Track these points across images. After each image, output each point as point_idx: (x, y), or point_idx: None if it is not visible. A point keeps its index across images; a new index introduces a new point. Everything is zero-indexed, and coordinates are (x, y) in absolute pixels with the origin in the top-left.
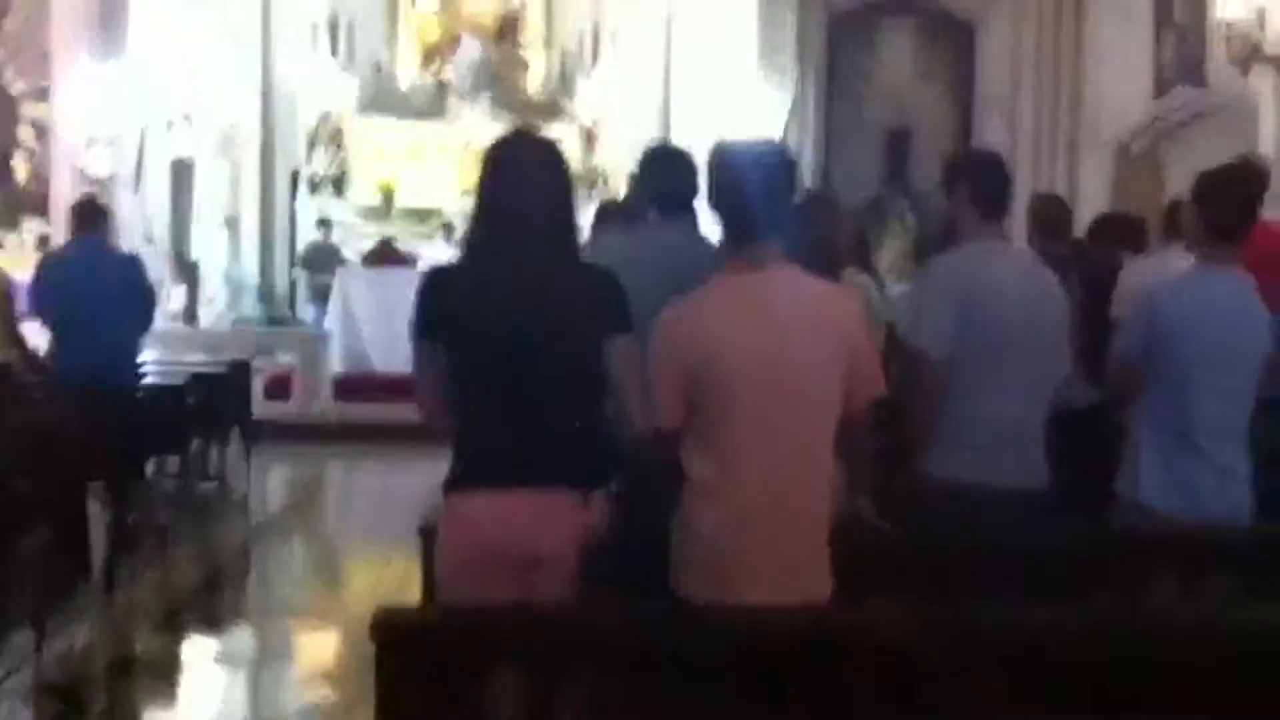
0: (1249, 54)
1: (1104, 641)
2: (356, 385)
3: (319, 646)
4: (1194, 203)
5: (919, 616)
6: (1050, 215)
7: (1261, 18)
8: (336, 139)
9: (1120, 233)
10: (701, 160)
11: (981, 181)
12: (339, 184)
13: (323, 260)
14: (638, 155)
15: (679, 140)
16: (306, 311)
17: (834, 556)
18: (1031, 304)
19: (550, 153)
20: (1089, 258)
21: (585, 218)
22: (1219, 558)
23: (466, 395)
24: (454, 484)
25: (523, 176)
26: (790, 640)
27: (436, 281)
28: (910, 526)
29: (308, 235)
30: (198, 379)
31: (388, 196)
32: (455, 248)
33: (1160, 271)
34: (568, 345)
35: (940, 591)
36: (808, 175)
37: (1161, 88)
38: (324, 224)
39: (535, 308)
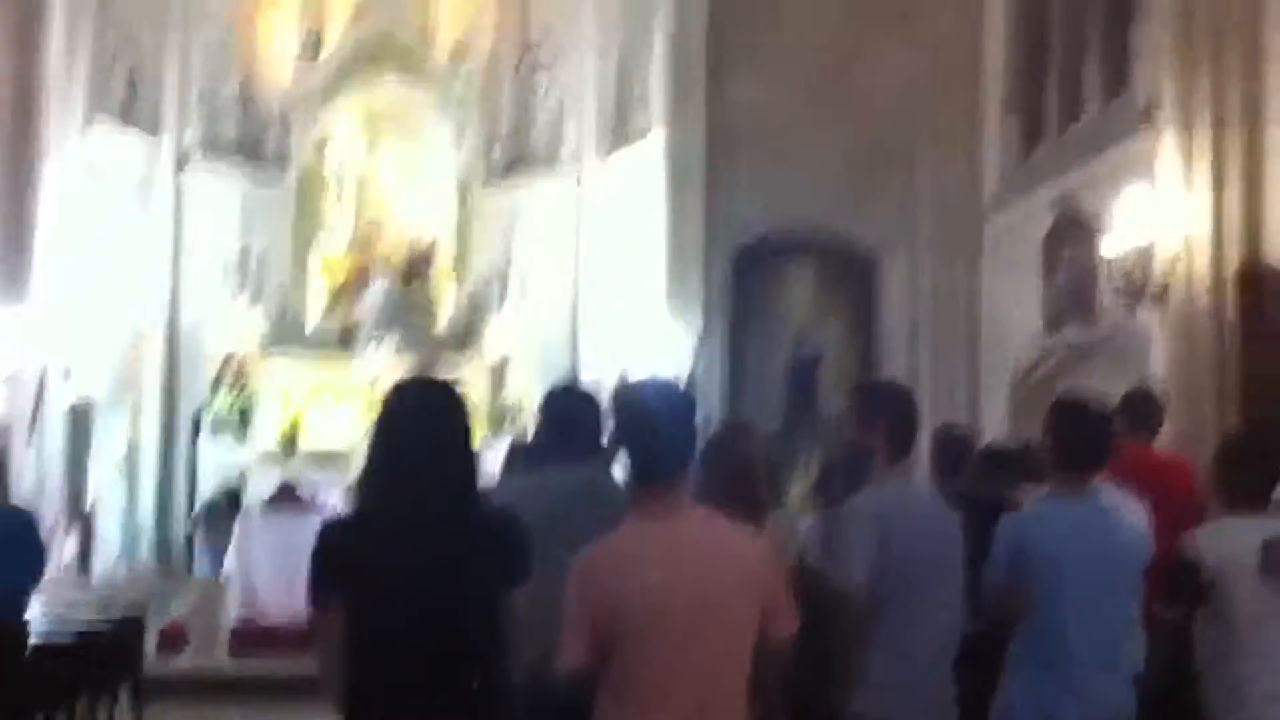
0: (1135, 290)
1: None
2: (254, 636)
3: None
4: (1044, 435)
5: None
6: (950, 450)
7: (1145, 257)
8: (241, 378)
9: (1005, 464)
10: (606, 398)
11: (898, 422)
12: (242, 424)
13: (220, 517)
14: (544, 393)
15: (588, 375)
16: (203, 559)
17: None
18: (942, 544)
19: (446, 396)
20: (975, 492)
21: (498, 454)
22: None
23: (362, 649)
24: None
25: (418, 423)
26: None
27: (330, 539)
28: None
29: (208, 477)
30: (87, 635)
31: (291, 439)
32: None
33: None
34: (465, 598)
35: None
36: (717, 406)
37: (1054, 323)
38: (231, 493)
39: (432, 561)
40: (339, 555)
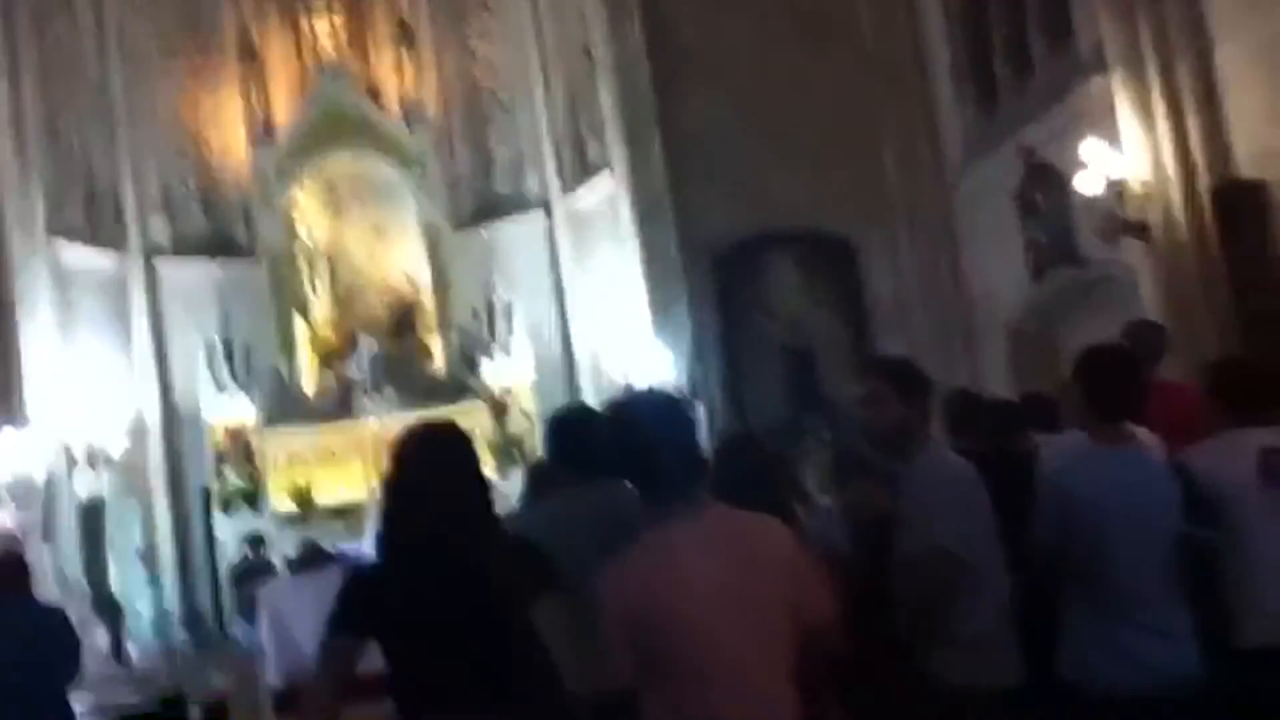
0: (1114, 227)
1: None
2: (297, 700)
3: None
4: (1075, 383)
5: None
6: (960, 412)
7: (1118, 192)
8: (245, 453)
9: (1010, 416)
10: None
11: (929, 392)
12: (251, 498)
13: (254, 576)
14: (547, 419)
15: (589, 398)
16: (239, 631)
17: None
18: (987, 501)
19: (451, 436)
20: (1001, 450)
21: (512, 486)
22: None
23: (405, 690)
24: None
25: (428, 465)
26: None
27: (359, 583)
28: None
29: (226, 554)
30: (130, 717)
31: (305, 500)
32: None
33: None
34: (499, 624)
35: None
36: (720, 409)
37: (1040, 272)
38: (255, 542)
39: (459, 595)
40: (367, 597)
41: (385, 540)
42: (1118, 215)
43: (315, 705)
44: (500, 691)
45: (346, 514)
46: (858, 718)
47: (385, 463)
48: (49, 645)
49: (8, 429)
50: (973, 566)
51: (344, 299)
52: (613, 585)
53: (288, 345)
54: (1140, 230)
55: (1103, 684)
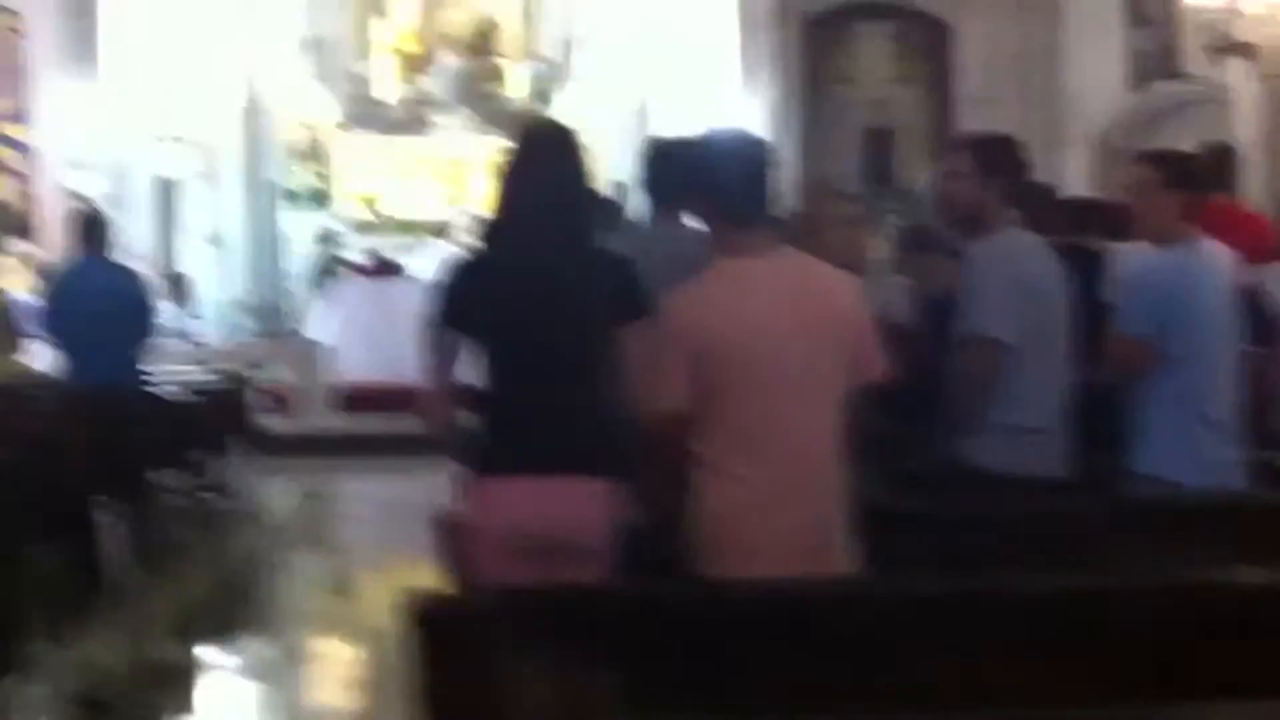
0: (1221, 44)
1: (1113, 605)
2: (353, 397)
3: (333, 653)
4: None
5: (936, 584)
6: (1038, 205)
7: (1232, 5)
8: (319, 155)
9: (1088, 217)
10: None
11: (1018, 175)
12: (320, 199)
13: (331, 273)
14: (618, 161)
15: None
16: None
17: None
18: (1061, 293)
19: (567, 140)
20: (1075, 245)
21: None
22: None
23: (494, 383)
24: (484, 468)
25: (539, 164)
26: (810, 608)
27: (460, 271)
28: (930, 509)
29: (295, 249)
30: (198, 391)
31: (371, 209)
32: (452, 249)
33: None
34: (584, 333)
35: (954, 568)
36: (790, 178)
37: (1137, 81)
38: (327, 239)
39: (553, 297)
40: (466, 285)
41: (489, 231)
42: (1227, 33)
43: (434, 399)
44: (570, 398)
45: (409, 228)
46: (894, 492)
47: (502, 155)
48: (125, 300)
49: (87, 81)
50: (1023, 355)
51: (426, 7)
52: (679, 310)
53: (365, 48)
54: (1247, 51)
55: (1172, 480)
